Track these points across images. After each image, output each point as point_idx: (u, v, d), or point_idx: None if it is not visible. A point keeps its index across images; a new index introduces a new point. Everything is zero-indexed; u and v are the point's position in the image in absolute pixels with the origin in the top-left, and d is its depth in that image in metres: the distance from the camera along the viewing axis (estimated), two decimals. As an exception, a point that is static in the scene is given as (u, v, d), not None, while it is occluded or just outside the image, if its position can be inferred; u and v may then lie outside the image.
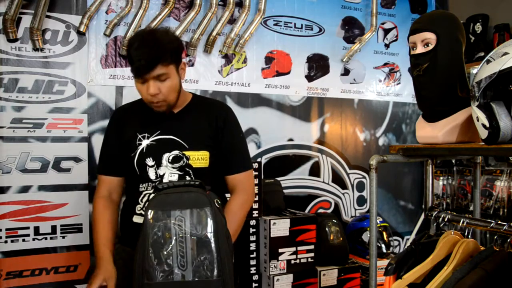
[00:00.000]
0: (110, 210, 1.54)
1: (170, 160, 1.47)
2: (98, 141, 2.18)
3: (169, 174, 1.48)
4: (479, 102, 1.11)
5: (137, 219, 1.49)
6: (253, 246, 2.26)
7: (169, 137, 1.50)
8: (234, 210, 1.52)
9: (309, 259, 2.28)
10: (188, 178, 1.48)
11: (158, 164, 1.48)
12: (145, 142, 1.50)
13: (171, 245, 1.11)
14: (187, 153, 1.48)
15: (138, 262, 1.13)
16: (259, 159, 2.64)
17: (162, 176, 1.48)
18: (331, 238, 2.39)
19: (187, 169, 1.48)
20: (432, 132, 1.38)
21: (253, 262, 2.26)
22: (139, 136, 1.51)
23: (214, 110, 1.58)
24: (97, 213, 1.52)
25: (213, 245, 1.12)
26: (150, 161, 1.49)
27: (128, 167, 1.52)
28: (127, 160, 1.52)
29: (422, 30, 1.33)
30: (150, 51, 1.35)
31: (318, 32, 2.83)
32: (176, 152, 1.48)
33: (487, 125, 1.10)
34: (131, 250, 1.37)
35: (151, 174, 1.49)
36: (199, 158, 1.49)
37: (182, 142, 1.49)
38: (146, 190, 1.50)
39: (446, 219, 1.39)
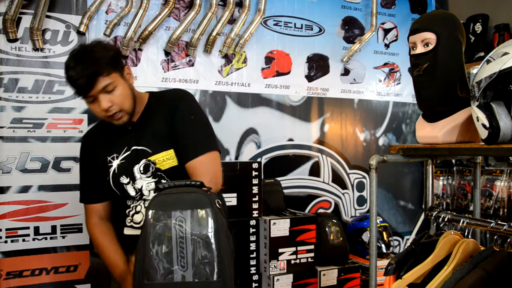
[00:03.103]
0: (109, 234, 1.52)
1: (141, 171, 1.45)
2: (98, 141, 2.18)
3: (146, 185, 1.45)
4: (479, 102, 1.11)
5: (128, 231, 1.48)
6: (253, 246, 2.26)
7: (134, 148, 1.46)
8: None
9: (309, 259, 2.28)
10: (163, 181, 1.43)
11: (133, 179, 1.45)
12: (115, 163, 1.47)
13: (171, 246, 1.11)
14: (152, 158, 1.44)
15: (138, 262, 1.12)
16: (259, 159, 2.64)
17: (140, 189, 1.46)
18: (331, 238, 2.39)
19: (159, 173, 1.45)
20: (432, 132, 1.38)
21: (253, 262, 2.26)
22: (109, 159, 1.48)
23: (167, 103, 1.48)
24: (98, 240, 1.52)
25: (213, 245, 1.12)
26: (124, 179, 1.46)
27: (109, 190, 1.50)
28: (106, 184, 1.50)
29: (422, 30, 1.33)
30: (86, 67, 1.31)
31: (318, 32, 2.83)
32: (143, 161, 1.44)
33: (487, 125, 1.10)
34: None
35: (131, 191, 1.46)
36: (165, 159, 1.44)
37: (146, 149, 1.45)
38: (133, 203, 1.48)
39: (446, 219, 1.39)
